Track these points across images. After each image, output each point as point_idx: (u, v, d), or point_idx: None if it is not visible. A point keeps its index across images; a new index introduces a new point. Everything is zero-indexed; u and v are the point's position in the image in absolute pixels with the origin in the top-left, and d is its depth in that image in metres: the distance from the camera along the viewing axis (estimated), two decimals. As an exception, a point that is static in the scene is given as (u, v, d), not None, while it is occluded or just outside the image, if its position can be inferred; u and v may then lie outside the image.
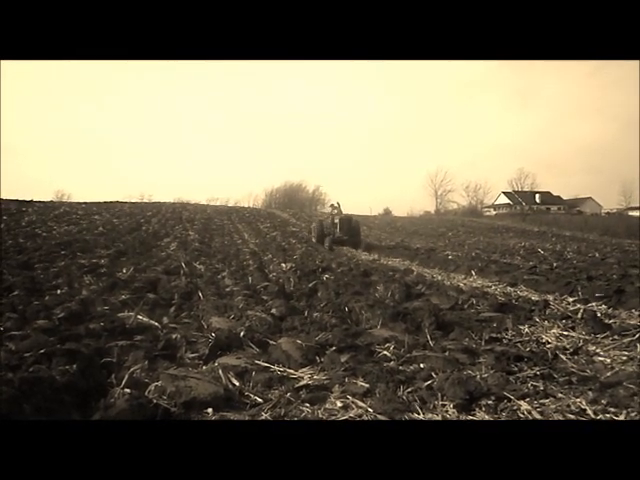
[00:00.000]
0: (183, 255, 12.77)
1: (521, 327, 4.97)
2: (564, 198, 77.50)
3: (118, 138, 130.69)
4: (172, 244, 15.99)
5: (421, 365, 3.68)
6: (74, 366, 3.26)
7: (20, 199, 29.83)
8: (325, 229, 19.83)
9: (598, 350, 4.15)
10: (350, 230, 19.29)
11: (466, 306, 6.29)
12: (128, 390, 2.86)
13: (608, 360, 3.86)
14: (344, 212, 21.21)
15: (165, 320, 5.24)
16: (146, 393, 2.92)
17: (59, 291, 6.82)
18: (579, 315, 5.29)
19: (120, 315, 5.22)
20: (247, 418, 2.74)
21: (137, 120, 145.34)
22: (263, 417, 2.74)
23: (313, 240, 20.37)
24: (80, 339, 4.15)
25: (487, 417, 2.75)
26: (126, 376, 3.10)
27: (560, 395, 3.06)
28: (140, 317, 5.07)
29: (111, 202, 38.59)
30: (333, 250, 17.42)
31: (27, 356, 3.50)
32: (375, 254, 16.05)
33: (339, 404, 2.91)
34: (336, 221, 19.55)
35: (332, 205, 22.11)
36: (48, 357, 3.46)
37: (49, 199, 38.37)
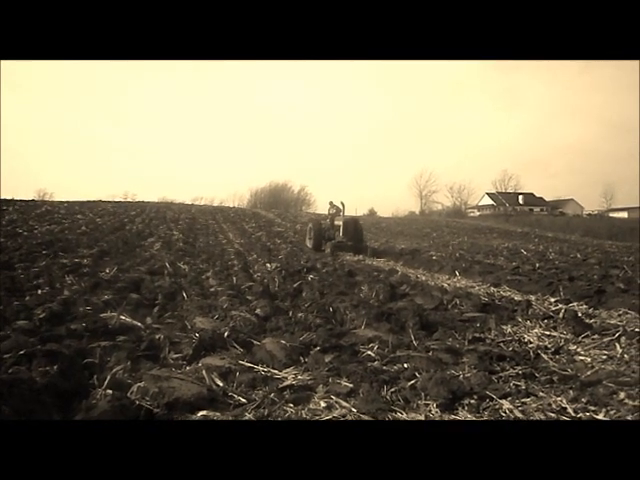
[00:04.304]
0: (167, 255, 12.67)
1: (504, 327, 5.03)
2: (547, 199, 78.58)
3: (102, 137, 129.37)
4: (156, 244, 15.84)
5: (405, 365, 3.69)
6: (55, 367, 3.21)
7: (0, 198, 29.35)
8: (323, 232, 17.25)
9: (579, 349, 4.21)
10: (355, 234, 16.79)
11: (450, 306, 6.34)
12: (110, 391, 2.83)
13: (588, 359, 3.92)
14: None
15: (148, 320, 5.20)
16: (129, 394, 2.89)
17: (40, 291, 6.71)
18: (561, 315, 5.36)
19: (102, 315, 5.15)
20: (231, 418, 2.72)
21: (121, 119, 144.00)
22: (247, 417, 2.73)
23: (307, 245, 17.74)
24: (61, 340, 4.09)
25: (469, 416, 2.77)
26: (108, 377, 3.07)
27: (541, 394, 3.10)
28: (123, 317, 5.02)
29: (94, 201, 38.15)
30: (337, 257, 14.77)
31: (7, 357, 3.44)
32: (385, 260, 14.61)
33: (323, 404, 2.91)
34: (337, 223, 17.03)
35: (331, 203, 18.57)
36: (28, 358, 3.40)
37: (30, 198, 37.76)
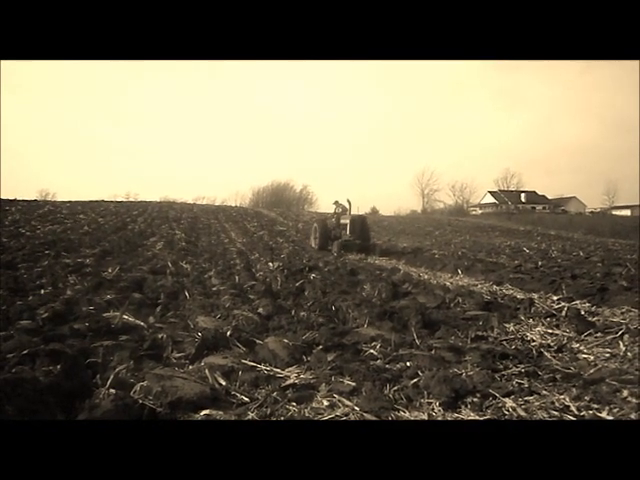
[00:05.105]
0: (169, 254, 12.68)
1: (506, 325, 5.02)
2: (549, 197, 78.58)
3: (102, 137, 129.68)
4: (158, 243, 15.88)
5: (407, 363, 3.69)
6: (58, 367, 3.22)
7: (3, 198, 29.42)
8: (329, 231, 16.80)
9: (582, 347, 4.20)
10: (362, 233, 16.32)
11: (452, 305, 6.33)
12: (113, 390, 2.84)
13: (591, 357, 3.91)
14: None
15: (151, 320, 5.20)
16: (132, 393, 2.90)
17: (43, 291, 6.74)
18: (563, 313, 5.35)
19: (105, 315, 5.17)
20: (233, 418, 2.73)
21: (121, 119, 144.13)
22: (249, 416, 2.73)
23: (312, 246, 17.33)
24: (64, 339, 4.10)
25: (472, 415, 2.77)
26: (111, 376, 3.07)
27: (544, 392, 3.09)
28: (126, 317, 5.03)
29: (96, 201, 38.28)
30: (342, 256, 14.38)
31: (10, 357, 3.45)
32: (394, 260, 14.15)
33: (326, 403, 2.91)
34: (344, 222, 16.54)
35: (337, 203, 17.75)
36: (32, 358, 3.42)
37: (33, 198, 37.87)
